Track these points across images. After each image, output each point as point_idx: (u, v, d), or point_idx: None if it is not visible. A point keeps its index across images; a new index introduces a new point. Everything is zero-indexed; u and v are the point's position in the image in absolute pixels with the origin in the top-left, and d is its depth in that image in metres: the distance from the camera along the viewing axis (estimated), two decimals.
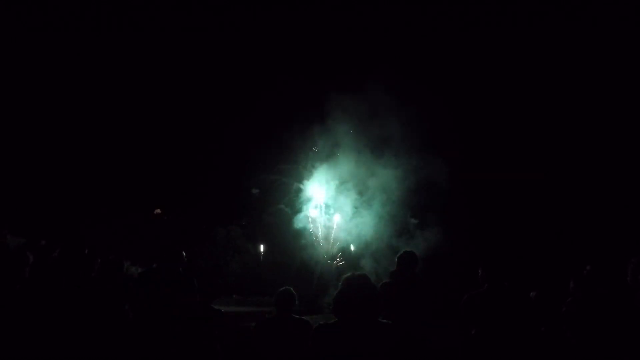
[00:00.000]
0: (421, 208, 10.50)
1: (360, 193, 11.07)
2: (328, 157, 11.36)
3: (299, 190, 11.61)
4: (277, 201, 11.87)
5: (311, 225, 11.36)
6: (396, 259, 4.93)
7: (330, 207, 11.44)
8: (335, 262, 10.30)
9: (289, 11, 11.53)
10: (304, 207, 11.62)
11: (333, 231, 11.13)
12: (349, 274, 3.53)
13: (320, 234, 11.16)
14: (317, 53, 11.47)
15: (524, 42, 11.20)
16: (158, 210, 10.75)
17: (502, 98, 11.17)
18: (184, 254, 7.60)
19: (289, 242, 11.43)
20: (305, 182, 11.59)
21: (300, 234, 11.27)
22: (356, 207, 11.18)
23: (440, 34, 11.16)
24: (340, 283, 3.48)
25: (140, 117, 12.22)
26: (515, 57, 11.31)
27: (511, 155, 11.24)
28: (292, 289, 5.35)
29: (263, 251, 11.85)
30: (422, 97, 10.34)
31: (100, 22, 11.34)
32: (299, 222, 11.33)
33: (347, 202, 11.02)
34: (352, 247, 10.87)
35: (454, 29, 11.24)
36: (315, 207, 11.48)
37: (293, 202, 11.70)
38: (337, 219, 10.99)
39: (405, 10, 11.20)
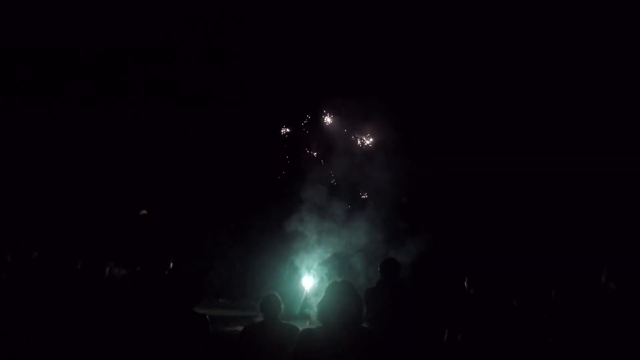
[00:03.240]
0: (412, 213, 10.66)
1: (353, 197, 11.20)
2: (321, 159, 11.46)
3: (290, 193, 11.70)
4: (268, 203, 11.96)
5: (303, 229, 11.45)
6: (379, 267, 5.06)
7: (323, 210, 11.54)
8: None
9: (282, 11, 11.62)
10: (296, 210, 11.70)
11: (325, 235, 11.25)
12: (332, 280, 3.71)
13: (312, 237, 11.28)
14: (311, 52, 11.57)
15: (521, 42, 11.33)
16: (144, 212, 10.81)
17: (500, 102, 11.32)
18: (170, 258, 7.68)
19: (280, 246, 11.52)
20: (298, 184, 11.67)
21: (291, 237, 11.34)
22: (349, 209, 11.30)
23: (435, 35, 11.29)
24: (325, 289, 3.64)
25: (126, 114, 12.29)
26: (512, 58, 11.45)
27: (504, 163, 11.43)
28: (276, 294, 5.46)
29: (251, 254, 11.93)
30: (417, 102, 10.52)
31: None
32: (290, 225, 11.40)
33: (339, 205, 11.13)
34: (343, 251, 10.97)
35: (447, 30, 11.37)
36: (308, 210, 11.57)
37: (284, 204, 11.79)
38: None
39: (398, 13, 11.33)
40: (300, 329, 4.08)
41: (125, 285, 7.57)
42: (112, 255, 9.98)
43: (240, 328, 6.43)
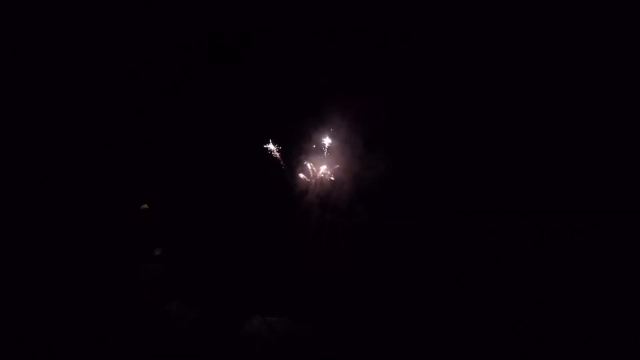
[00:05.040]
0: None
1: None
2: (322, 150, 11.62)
3: (293, 185, 11.84)
4: (269, 196, 12.11)
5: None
6: None
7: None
8: None
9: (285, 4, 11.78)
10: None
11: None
12: None
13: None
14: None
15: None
16: (145, 206, 10.92)
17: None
18: (170, 252, 7.87)
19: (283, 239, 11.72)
20: (299, 175, 11.82)
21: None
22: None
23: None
24: None
25: (122, 102, 12.41)
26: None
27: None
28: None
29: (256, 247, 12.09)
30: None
31: None
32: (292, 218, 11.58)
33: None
34: None
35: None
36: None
37: (287, 197, 11.94)
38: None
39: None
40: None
41: (128, 281, 7.77)
42: (113, 251, 10.19)
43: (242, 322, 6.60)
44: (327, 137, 11.35)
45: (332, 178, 11.30)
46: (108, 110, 12.34)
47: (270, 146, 11.63)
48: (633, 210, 10.44)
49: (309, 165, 11.61)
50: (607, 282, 10.17)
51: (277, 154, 11.69)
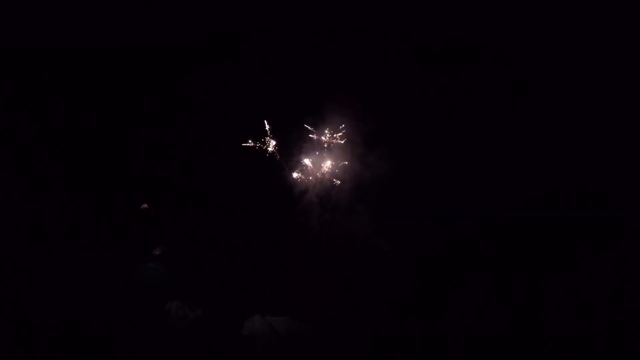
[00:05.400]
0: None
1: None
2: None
3: (293, 185, 11.87)
4: (269, 196, 12.13)
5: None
6: None
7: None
8: None
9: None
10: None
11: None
12: None
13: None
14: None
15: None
16: (145, 206, 10.95)
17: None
18: (170, 252, 7.86)
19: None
20: (299, 175, 11.83)
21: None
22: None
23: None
24: None
25: (121, 102, 12.44)
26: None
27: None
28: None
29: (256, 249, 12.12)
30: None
31: None
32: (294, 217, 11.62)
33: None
34: None
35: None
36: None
37: (287, 197, 11.96)
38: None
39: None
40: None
41: (127, 282, 7.77)
42: (112, 251, 10.22)
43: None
44: (328, 137, 11.35)
45: (337, 181, 11.31)
46: (107, 109, 12.39)
47: (270, 146, 11.63)
48: (633, 210, 10.47)
49: (308, 165, 11.60)
50: (607, 282, 10.20)
51: (277, 153, 11.67)
